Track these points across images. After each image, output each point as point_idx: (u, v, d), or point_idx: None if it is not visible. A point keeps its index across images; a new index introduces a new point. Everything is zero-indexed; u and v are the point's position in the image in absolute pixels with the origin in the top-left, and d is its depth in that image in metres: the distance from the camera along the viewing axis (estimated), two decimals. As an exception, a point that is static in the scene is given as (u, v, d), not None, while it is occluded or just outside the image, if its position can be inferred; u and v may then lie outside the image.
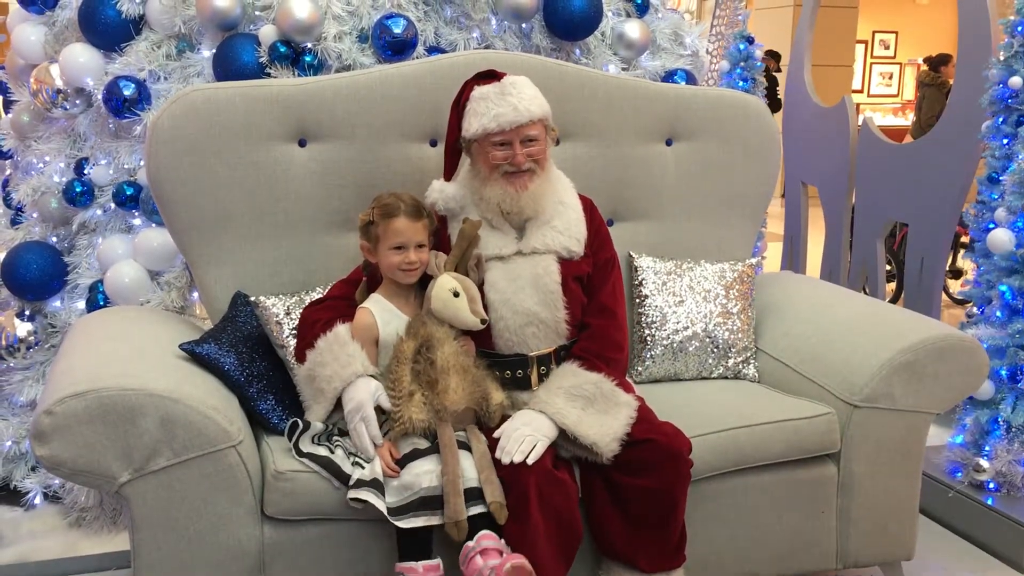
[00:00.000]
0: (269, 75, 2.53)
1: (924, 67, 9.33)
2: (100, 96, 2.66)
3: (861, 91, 12.81)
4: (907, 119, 11.79)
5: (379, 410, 1.94)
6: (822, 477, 2.27)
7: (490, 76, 2.12)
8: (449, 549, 1.89)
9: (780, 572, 2.29)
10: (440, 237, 2.13)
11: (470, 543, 1.87)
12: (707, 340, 2.47)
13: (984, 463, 2.77)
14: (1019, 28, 2.99)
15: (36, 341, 2.81)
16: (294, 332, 2.11)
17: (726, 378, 2.50)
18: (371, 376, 1.96)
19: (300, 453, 1.92)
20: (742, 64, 4.01)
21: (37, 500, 2.74)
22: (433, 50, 2.70)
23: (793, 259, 4.44)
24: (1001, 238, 2.77)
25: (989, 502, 2.73)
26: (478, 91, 2.09)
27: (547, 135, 2.12)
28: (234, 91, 2.26)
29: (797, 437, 2.21)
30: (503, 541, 1.87)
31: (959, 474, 2.85)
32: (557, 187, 2.18)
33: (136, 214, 2.75)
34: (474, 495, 1.87)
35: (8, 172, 3.12)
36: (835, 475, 2.28)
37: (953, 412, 2.94)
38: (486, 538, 1.86)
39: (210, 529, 1.84)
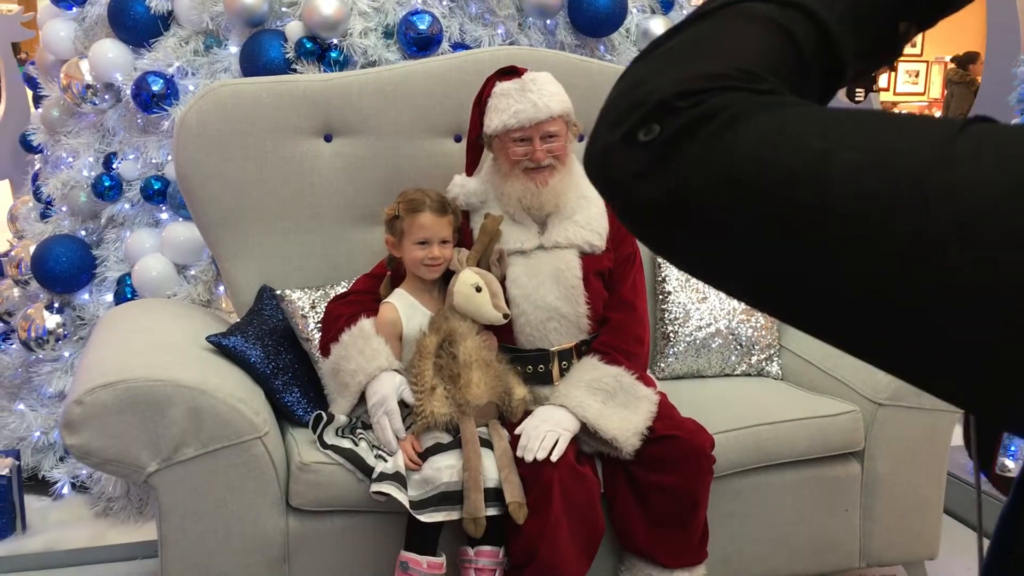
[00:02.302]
0: (295, 71, 2.55)
1: (952, 65, 9.24)
2: (129, 91, 2.68)
3: (887, 89, 12.70)
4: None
5: (402, 404, 1.96)
6: (846, 475, 2.26)
7: (511, 72, 2.12)
8: (454, 546, 1.92)
9: (803, 570, 2.29)
10: (462, 232, 2.13)
11: (469, 549, 1.89)
12: (730, 337, 2.47)
13: (1009, 463, 2.75)
14: (1049, 25, 2.96)
15: (65, 333, 2.85)
16: (319, 326, 2.13)
17: (749, 375, 2.50)
18: (395, 371, 1.97)
19: (324, 445, 1.94)
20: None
21: (65, 490, 2.77)
22: (458, 46, 2.71)
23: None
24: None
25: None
26: (499, 87, 2.09)
27: (569, 131, 2.12)
28: (261, 87, 2.27)
29: (821, 435, 2.21)
30: (503, 555, 1.89)
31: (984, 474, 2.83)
32: (579, 182, 2.17)
33: (163, 208, 2.78)
34: (492, 495, 1.87)
35: (38, 166, 3.16)
36: (859, 473, 2.27)
37: (979, 412, 2.91)
38: (485, 555, 1.88)
39: (236, 519, 1.86)
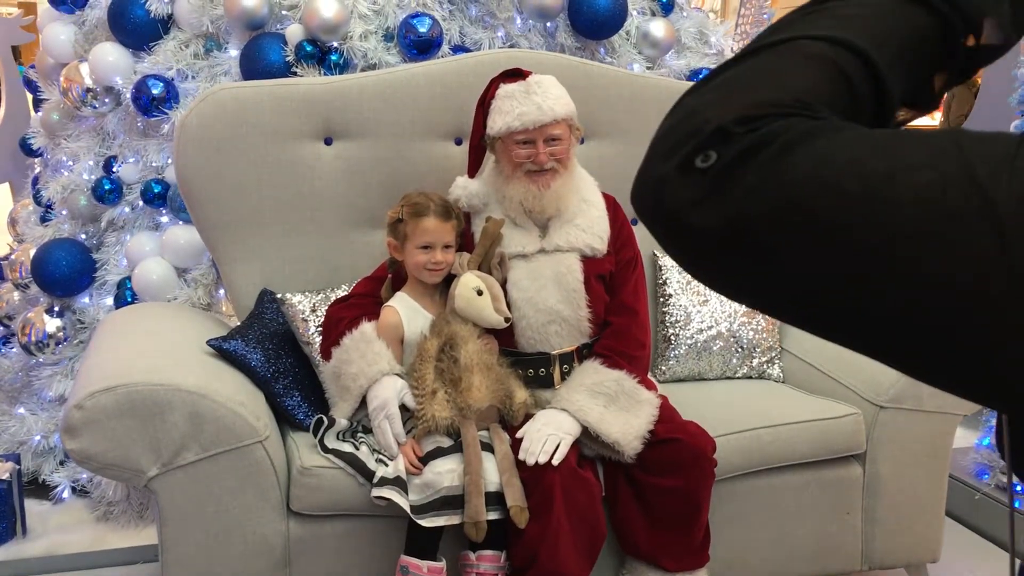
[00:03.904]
0: (296, 74, 2.55)
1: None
2: (129, 95, 2.68)
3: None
4: (934, 118, 11.67)
5: (403, 408, 1.95)
6: (848, 478, 2.26)
7: (516, 74, 2.12)
8: (456, 550, 1.92)
9: (804, 573, 2.28)
10: (463, 235, 2.13)
11: (471, 553, 1.89)
12: (731, 340, 2.46)
13: None
14: (1049, 26, 2.96)
15: (65, 337, 2.84)
16: (320, 329, 2.13)
17: (750, 378, 2.50)
18: (396, 375, 1.97)
19: (325, 449, 1.93)
20: (767, 63, 3.99)
21: (65, 494, 2.77)
22: (458, 49, 2.70)
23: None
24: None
25: (1016, 505, 2.71)
26: (503, 89, 2.09)
27: (571, 134, 2.12)
28: (261, 90, 2.27)
29: (823, 437, 2.20)
30: (505, 559, 1.89)
31: (986, 476, 2.82)
32: (580, 185, 2.17)
33: (163, 212, 2.78)
34: (493, 499, 1.87)
35: (38, 170, 3.16)
36: (861, 476, 2.27)
37: (980, 414, 2.91)
38: (486, 560, 1.88)
39: (237, 523, 1.85)
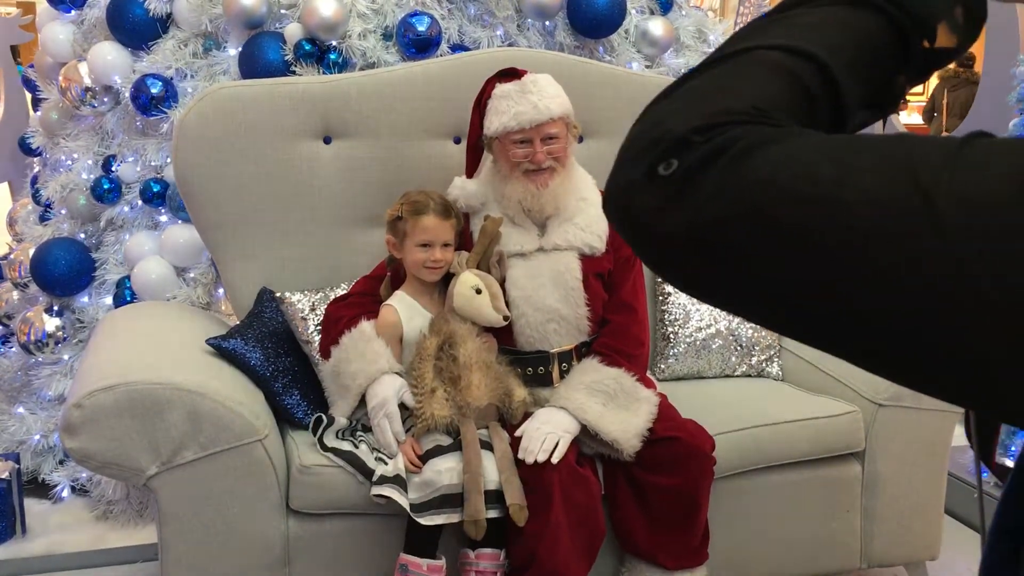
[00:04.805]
0: (294, 73, 2.55)
1: (953, 65, 9.19)
2: (128, 94, 2.68)
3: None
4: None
5: (403, 407, 1.96)
6: (847, 476, 2.26)
7: (511, 74, 2.12)
8: (455, 548, 1.92)
9: (803, 571, 2.29)
10: (462, 235, 2.13)
11: (470, 552, 1.89)
12: (730, 338, 2.46)
13: (1010, 463, 2.74)
14: (1048, 24, 2.96)
15: (64, 336, 2.84)
16: (319, 328, 2.13)
17: (749, 376, 2.50)
18: (396, 373, 1.97)
19: (324, 448, 1.94)
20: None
21: (65, 493, 2.77)
22: (457, 48, 2.70)
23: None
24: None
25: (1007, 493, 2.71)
26: (499, 89, 2.09)
27: (569, 132, 2.11)
28: (260, 89, 2.27)
29: (821, 435, 2.20)
30: (504, 558, 1.89)
31: (985, 474, 2.82)
32: (579, 184, 2.17)
33: (162, 211, 2.78)
34: (493, 498, 1.87)
35: (37, 169, 3.16)
36: (860, 474, 2.27)
37: (979, 412, 2.91)
38: (485, 558, 1.88)
39: (236, 522, 1.86)
